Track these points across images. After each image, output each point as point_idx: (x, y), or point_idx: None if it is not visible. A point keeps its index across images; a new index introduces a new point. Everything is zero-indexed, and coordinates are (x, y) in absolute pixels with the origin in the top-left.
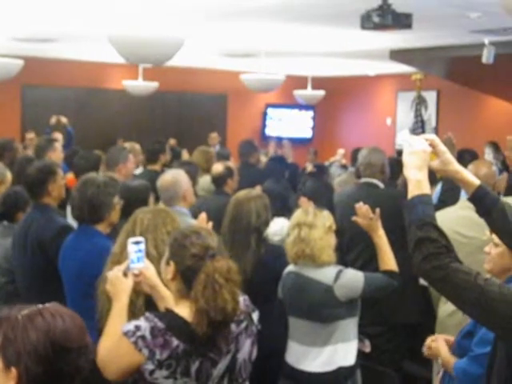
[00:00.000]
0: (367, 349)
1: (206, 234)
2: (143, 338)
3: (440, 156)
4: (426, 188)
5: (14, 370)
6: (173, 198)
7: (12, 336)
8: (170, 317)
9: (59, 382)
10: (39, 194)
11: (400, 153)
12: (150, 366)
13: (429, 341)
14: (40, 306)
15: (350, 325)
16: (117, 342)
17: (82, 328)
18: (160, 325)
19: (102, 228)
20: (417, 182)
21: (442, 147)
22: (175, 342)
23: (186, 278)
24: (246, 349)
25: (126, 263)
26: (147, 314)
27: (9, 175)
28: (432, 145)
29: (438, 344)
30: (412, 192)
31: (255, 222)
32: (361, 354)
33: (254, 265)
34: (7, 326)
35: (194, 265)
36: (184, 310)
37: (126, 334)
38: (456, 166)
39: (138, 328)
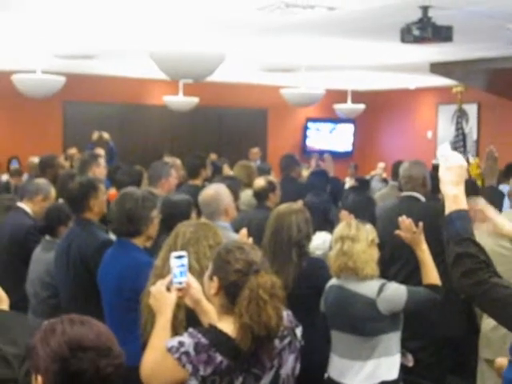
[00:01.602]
0: (410, 363)
1: (250, 249)
2: (187, 353)
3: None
4: (463, 203)
5: (39, 379)
6: (214, 212)
7: (37, 346)
8: (213, 333)
9: (80, 382)
10: (81, 208)
11: (435, 167)
12: (193, 382)
13: (497, 362)
14: (64, 316)
15: (393, 339)
16: (161, 357)
17: (105, 334)
18: (204, 341)
19: (140, 242)
20: (454, 197)
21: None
22: (219, 357)
23: (230, 293)
24: (290, 364)
25: (169, 277)
26: (191, 329)
27: (53, 191)
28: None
29: (504, 360)
30: (449, 208)
31: (296, 236)
32: (404, 368)
33: (295, 278)
34: (35, 339)
35: (237, 280)
36: (227, 326)
37: (169, 349)
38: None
39: (181, 344)
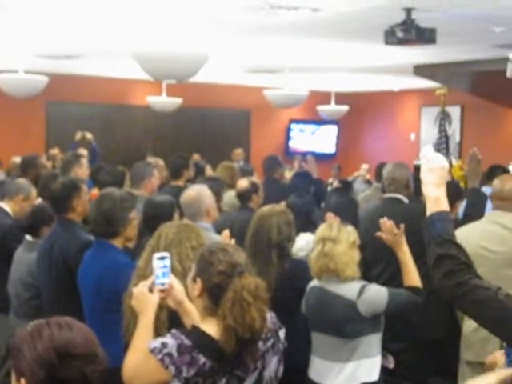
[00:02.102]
0: (391, 365)
1: (234, 251)
2: (170, 355)
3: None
4: (444, 205)
5: (22, 381)
6: (196, 213)
7: (22, 348)
8: (196, 334)
9: None
10: (64, 209)
11: (417, 168)
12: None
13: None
14: (49, 318)
15: (374, 340)
16: (143, 358)
17: (91, 339)
18: (187, 342)
19: (119, 243)
20: (435, 199)
21: None
22: (202, 359)
23: (213, 295)
24: (273, 366)
25: (151, 279)
26: (173, 330)
27: (33, 191)
28: None
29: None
30: (430, 209)
31: (276, 238)
32: (385, 370)
33: (277, 280)
34: (18, 339)
35: (221, 282)
36: (211, 328)
37: (152, 350)
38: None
39: (164, 345)
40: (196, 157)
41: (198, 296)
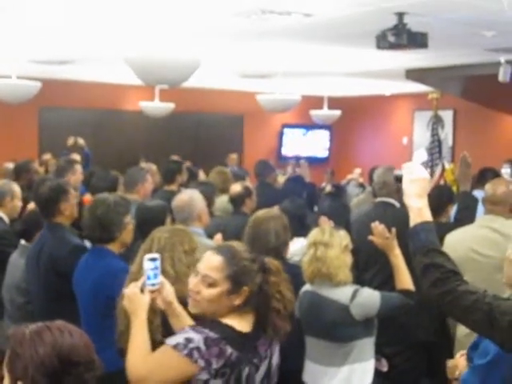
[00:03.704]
0: (384, 368)
1: (245, 247)
2: (198, 349)
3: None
4: (427, 215)
5: None
6: (188, 218)
7: (20, 351)
8: (219, 326)
9: None
10: (52, 213)
11: (398, 178)
12: (204, 376)
13: (449, 363)
14: (48, 322)
15: (367, 344)
16: (162, 355)
17: (89, 345)
18: (213, 335)
19: (115, 248)
20: (418, 209)
21: None
22: (229, 350)
23: (255, 293)
24: (277, 354)
25: (142, 279)
26: (192, 326)
27: (15, 188)
28: None
29: (457, 361)
30: (414, 220)
31: (274, 242)
32: (378, 373)
33: None
34: (15, 342)
35: (261, 278)
36: (230, 321)
37: (175, 346)
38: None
39: (189, 340)
40: (187, 164)
41: (238, 304)
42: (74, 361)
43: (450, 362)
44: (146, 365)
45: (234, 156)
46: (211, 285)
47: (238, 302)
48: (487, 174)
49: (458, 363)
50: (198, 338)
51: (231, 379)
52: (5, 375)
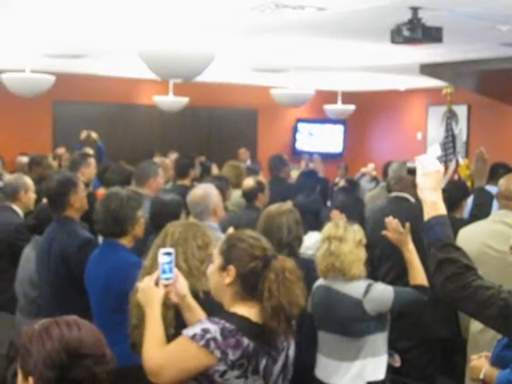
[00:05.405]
0: (397, 363)
1: (260, 237)
2: (215, 339)
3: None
4: (441, 209)
5: (30, 380)
6: (203, 212)
7: (29, 347)
8: (235, 317)
9: None
10: (61, 206)
11: (411, 171)
12: (221, 367)
13: (471, 363)
14: (58, 317)
15: (380, 339)
16: (178, 346)
17: (99, 338)
18: (229, 326)
19: (127, 242)
20: (432, 203)
21: None
22: (246, 341)
23: (248, 280)
24: (292, 347)
25: (156, 273)
26: (209, 317)
27: (28, 180)
28: None
29: (479, 362)
30: (428, 213)
31: (286, 237)
32: (391, 368)
33: None
34: (25, 338)
35: (256, 267)
36: (243, 312)
37: (193, 337)
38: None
39: (206, 331)
40: (201, 159)
41: (229, 284)
42: (82, 353)
43: (472, 363)
44: (163, 356)
45: (243, 150)
46: (212, 261)
47: (227, 280)
48: (499, 170)
49: (482, 365)
50: (214, 329)
51: (248, 370)
52: (18, 371)
